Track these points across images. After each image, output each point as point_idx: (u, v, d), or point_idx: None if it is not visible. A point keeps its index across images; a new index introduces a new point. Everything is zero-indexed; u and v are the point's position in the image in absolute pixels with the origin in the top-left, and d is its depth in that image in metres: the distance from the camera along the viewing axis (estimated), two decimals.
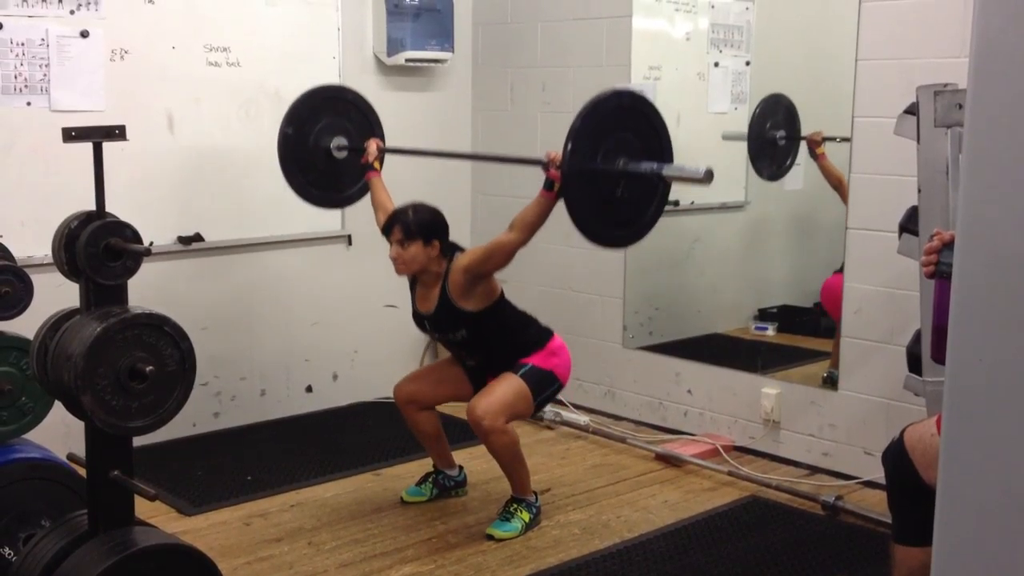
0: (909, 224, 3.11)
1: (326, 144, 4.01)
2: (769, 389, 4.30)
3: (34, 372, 2.53)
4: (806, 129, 4.61)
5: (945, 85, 2.90)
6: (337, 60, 4.72)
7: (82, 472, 2.61)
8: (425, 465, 3.97)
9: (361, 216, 4.88)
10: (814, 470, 4.13)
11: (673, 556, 3.38)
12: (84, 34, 3.99)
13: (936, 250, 2.09)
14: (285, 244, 4.71)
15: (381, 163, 3.93)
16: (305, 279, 4.80)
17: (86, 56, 4.00)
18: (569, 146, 3.08)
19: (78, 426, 2.44)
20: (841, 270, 4.03)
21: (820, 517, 3.70)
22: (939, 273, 2.08)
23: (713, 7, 4.92)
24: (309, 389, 4.88)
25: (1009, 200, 1.21)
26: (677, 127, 4.96)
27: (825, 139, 4.42)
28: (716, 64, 4.95)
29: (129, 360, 2.29)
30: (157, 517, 3.52)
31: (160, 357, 2.34)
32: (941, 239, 2.09)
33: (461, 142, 5.24)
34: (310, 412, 4.84)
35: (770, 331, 5.05)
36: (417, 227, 3.50)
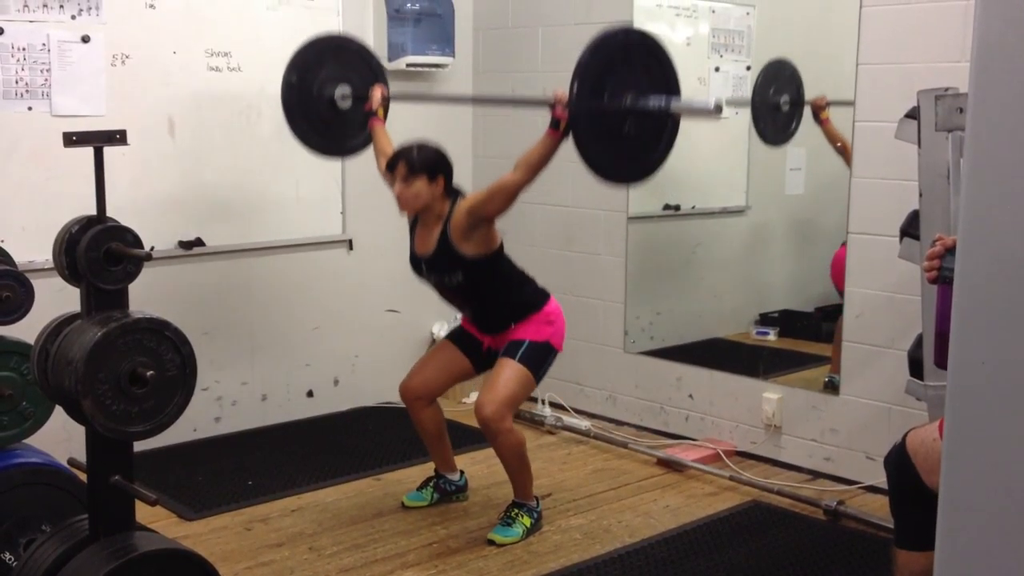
0: (910, 228, 3.11)
1: (330, 93, 4.01)
2: (770, 394, 4.30)
3: (35, 377, 2.53)
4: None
5: (946, 89, 2.89)
6: None
7: (83, 477, 2.60)
8: (426, 470, 3.96)
9: (362, 221, 4.90)
10: (816, 475, 4.13)
11: (675, 561, 3.37)
12: (85, 39, 3.99)
13: (939, 255, 2.09)
14: (286, 249, 4.71)
15: (386, 111, 3.92)
16: (306, 284, 4.80)
17: (87, 61, 4.01)
18: (576, 85, 3.06)
19: (79, 431, 2.44)
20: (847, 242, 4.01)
21: (822, 522, 3.69)
22: (942, 278, 2.07)
23: (714, 12, 4.93)
24: (310, 394, 4.88)
25: (1011, 204, 1.21)
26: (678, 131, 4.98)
27: (829, 103, 4.38)
28: (717, 69, 4.95)
29: (130, 365, 2.29)
30: (158, 522, 3.52)
31: (161, 362, 2.33)
32: (943, 244, 2.09)
33: (462, 145, 5.23)
34: (311, 417, 4.83)
35: (771, 336, 5.05)
36: (421, 163, 3.47)
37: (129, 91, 4.13)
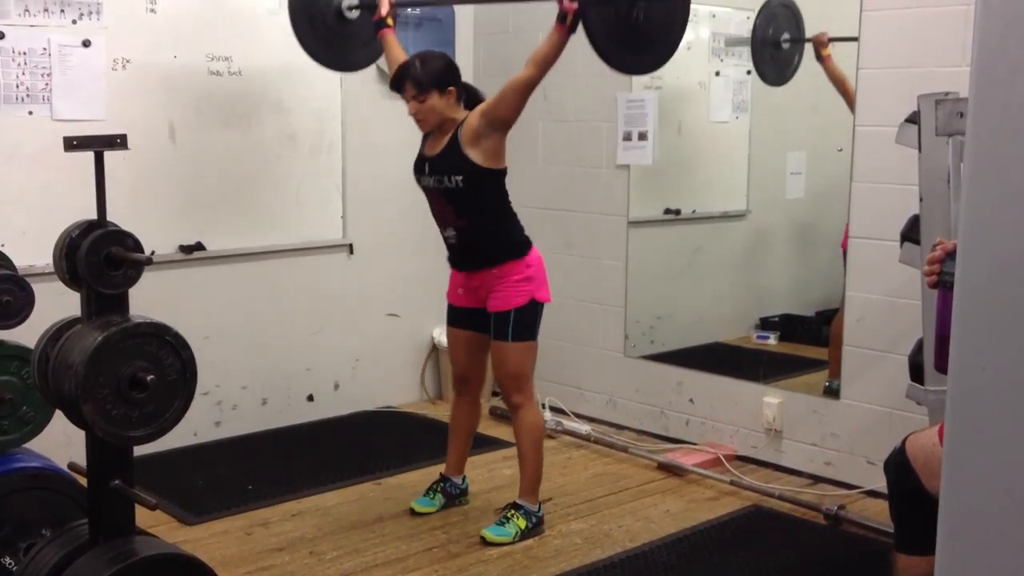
0: (911, 233, 3.11)
1: (337, 2, 3.98)
2: (771, 398, 4.30)
3: (35, 381, 2.52)
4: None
5: (946, 94, 2.89)
6: None
7: (83, 481, 2.60)
8: (426, 474, 3.96)
9: (362, 225, 4.90)
10: (816, 479, 4.12)
11: (675, 566, 3.37)
12: (86, 43, 3.99)
13: (939, 260, 2.09)
14: (287, 253, 4.71)
15: (395, 19, 3.87)
16: (306, 288, 4.80)
17: (88, 65, 4.01)
18: None
19: (79, 435, 2.44)
20: None
21: (822, 527, 3.69)
22: (942, 283, 2.07)
23: (714, 17, 4.93)
24: (310, 398, 4.88)
25: (1011, 209, 1.21)
26: (678, 136, 4.99)
27: (831, 39, 4.32)
28: (717, 73, 4.95)
29: (130, 369, 2.28)
30: (158, 527, 3.52)
31: (161, 366, 2.33)
32: (944, 249, 2.09)
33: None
34: (311, 421, 4.83)
35: (772, 340, 5.05)
36: (428, 78, 3.43)
37: (130, 95, 4.13)
